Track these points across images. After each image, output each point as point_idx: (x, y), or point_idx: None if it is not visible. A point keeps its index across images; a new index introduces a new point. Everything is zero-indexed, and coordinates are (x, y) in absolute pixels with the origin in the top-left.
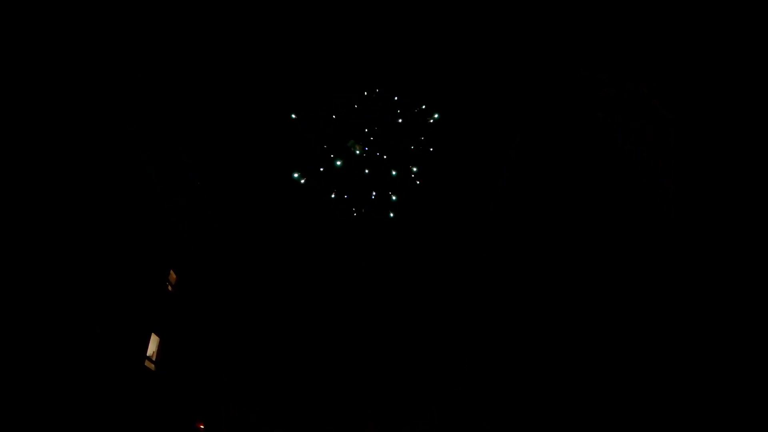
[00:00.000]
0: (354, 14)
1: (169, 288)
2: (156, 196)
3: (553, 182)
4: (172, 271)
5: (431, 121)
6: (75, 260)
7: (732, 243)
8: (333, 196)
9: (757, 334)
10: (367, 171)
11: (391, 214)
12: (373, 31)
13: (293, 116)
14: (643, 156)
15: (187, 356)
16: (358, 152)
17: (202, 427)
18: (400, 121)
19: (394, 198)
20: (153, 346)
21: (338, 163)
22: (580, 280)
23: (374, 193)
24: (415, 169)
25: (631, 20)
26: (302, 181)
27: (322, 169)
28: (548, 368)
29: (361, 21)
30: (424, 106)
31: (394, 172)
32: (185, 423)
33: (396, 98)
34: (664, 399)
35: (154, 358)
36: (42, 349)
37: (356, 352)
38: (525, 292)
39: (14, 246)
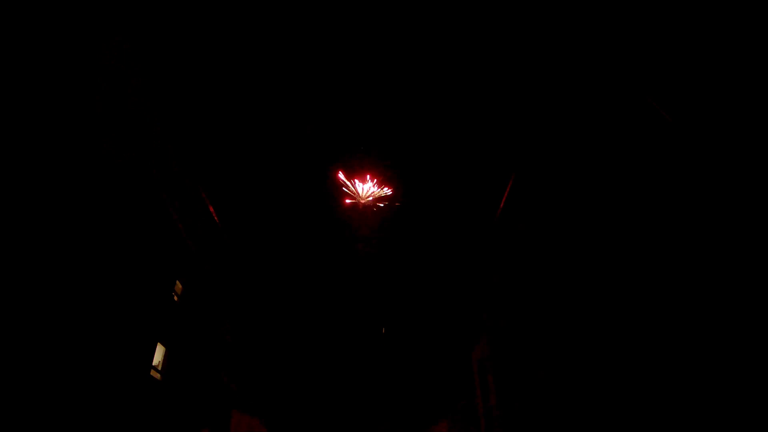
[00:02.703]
0: (356, 15)
1: (175, 298)
2: (161, 204)
3: (554, 182)
4: (178, 282)
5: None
6: (82, 270)
7: (732, 243)
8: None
9: (757, 334)
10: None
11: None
12: (375, 32)
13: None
14: (643, 156)
15: (192, 365)
16: None
17: None
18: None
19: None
20: (159, 355)
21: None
22: (580, 279)
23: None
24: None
25: (631, 20)
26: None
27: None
28: (548, 368)
29: (362, 22)
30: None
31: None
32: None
33: (398, 100)
34: (664, 399)
35: (160, 368)
36: (47, 358)
37: (357, 353)
38: (525, 292)
39: (17, 256)
